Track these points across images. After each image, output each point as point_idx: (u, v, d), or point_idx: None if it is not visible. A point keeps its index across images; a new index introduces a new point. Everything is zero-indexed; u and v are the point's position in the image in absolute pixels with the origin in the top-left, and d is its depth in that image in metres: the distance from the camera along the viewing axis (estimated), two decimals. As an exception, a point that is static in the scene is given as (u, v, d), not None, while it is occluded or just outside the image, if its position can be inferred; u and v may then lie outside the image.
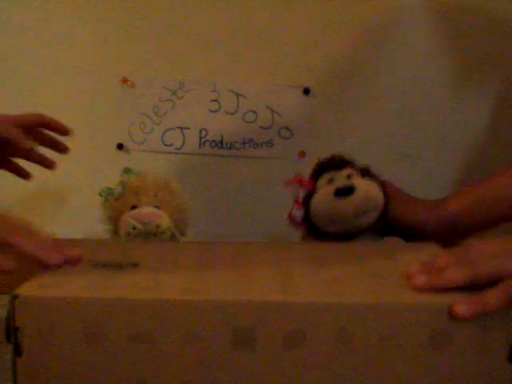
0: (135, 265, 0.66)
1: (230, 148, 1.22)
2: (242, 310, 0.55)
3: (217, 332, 0.55)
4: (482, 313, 0.56)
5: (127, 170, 0.96)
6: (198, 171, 1.22)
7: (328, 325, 0.55)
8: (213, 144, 1.22)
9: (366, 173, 0.87)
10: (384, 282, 0.61)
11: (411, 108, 1.21)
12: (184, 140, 1.21)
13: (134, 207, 0.91)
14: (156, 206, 0.91)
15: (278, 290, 0.58)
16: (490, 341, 0.56)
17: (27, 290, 0.57)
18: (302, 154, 1.22)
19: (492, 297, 0.56)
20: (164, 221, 0.89)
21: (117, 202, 0.93)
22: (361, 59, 1.19)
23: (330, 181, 0.86)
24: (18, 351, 0.56)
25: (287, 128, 1.21)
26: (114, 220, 0.92)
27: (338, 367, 0.56)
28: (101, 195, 0.94)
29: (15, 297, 0.56)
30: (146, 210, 0.89)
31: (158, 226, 0.88)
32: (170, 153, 1.22)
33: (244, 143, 1.21)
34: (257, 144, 1.21)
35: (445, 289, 0.58)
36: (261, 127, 1.21)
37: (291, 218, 0.86)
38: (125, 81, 1.20)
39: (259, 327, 0.55)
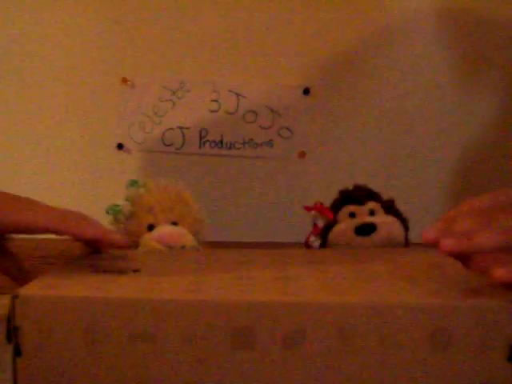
0: (136, 271, 0.66)
1: (230, 148, 1.22)
2: (241, 309, 0.55)
3: (216, 332, 0.55)
4: (471, 250, 0.55)
5: (133, 183, 0.89)
6: (198, 171, 1.22)
7: (328, 325, 0.55)
8: (213, 144, 1.22)
9: (389, 208, 0.86)
10: (384, 283, 0.61)
11: (413, 107, 1.21)
12: (184, 140, 1.21)
13: (150, 226, 0.86)
14: (173, 223, 0.86)
15: (278, 290, 0.58)
16: (490, 340, 0.56)
17: (27, 289, 0.57)
18: (302, 154, 1.22)
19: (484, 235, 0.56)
20: (188, 239, 0.84)
21: (130, 222, 0.86)
22: (361, 59, 1.19)
23: (352, 215, 0.85)
24: (17, 351, 0.56)
25: (287, 128, 1.21)
26: (131, 241, 0.85)
27: (338, 367, 0.56)
28: (108, 213, 0.86)
29: (15, 296, 0.56)
30: (168, 231, 0.84)
31: (183, 247, 0.83)
32: (170, 153, 1.22)
33: (244, 143, 1.21)
34: (257, 144, 1.21)
35: (473, 253, 0.56)
36: (261, 127, 1.21)
37: (307, 245, 0.86)
38: (125, 81, 1.20)
39: (259, 327, 0.55)
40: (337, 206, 0.87)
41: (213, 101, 1.20)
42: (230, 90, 1.20)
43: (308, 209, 0.86)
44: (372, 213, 0.84)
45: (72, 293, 0.57)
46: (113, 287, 0.58)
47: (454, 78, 1.19)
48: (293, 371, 0.56)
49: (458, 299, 0.56)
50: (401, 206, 0.88)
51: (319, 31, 1.18)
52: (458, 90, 1.20)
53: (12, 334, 0.56)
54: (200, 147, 1.22)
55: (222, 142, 1.21)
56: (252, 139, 1.21)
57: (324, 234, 0.85)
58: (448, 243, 0.55)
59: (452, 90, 1.20)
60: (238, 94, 1.20)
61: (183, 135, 1.21)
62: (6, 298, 0.56)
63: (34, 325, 0.56)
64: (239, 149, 1.22)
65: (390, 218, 0.83)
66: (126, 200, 0.88)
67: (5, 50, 1.18)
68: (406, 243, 0.84)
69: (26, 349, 0.56)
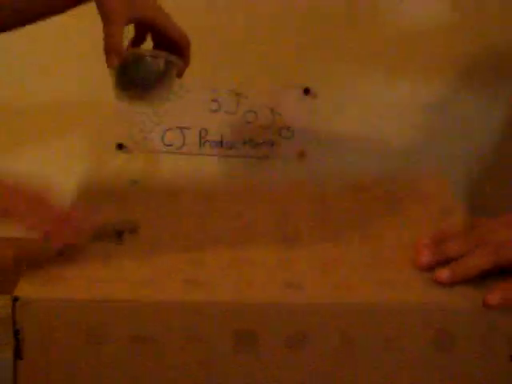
0: (133, 230, 0.68)
1: (230, 148, 1.21)
2: (243, 311, 0.55)
3: (218, 334, 0.55)
4: (466, 277, 0.58)
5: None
6: (198, 171, 1.22)
7: (330, 326, 0.55)
8: (213, 144, 1.21)
9: None
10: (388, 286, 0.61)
11: (414, 107, 1.20)
12: (184, 140, 1.21)
13: None
14: None
15: (281, 289, 0.58)
16: (493, 340, 0.56)
17: (28, 291, 0.56)
18: (302, 154, 1.21)
19: (473, 259, 0.58)
20: None
21: None
22: (362, 59, 1.19)
23: None
24: (18, 354, 0.56)
25: (288, 128, 1.20)
26: None
27: (341, 369, 0.55)
28: None
29: (16, 299, 0.55)
30: None
31: None
32: (170, 153, 1.21)
33: (244, 143, 1.21)
34: (257, 144, 1.21)
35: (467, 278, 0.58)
36: (261, 127, 1.20)
37: None
38: (124, 81, 1.19)
39: (261, 329, 0.55)
40: None
41: (213, 101, 1.20)
42: (230, 90, 1.19)
43: None
44: None
45: (73, 294, 0.56)
46: (113, 280, 0.57)
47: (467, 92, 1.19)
48: (295, 373, 0.55)
49: (461, 300, 0.56)
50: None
51: (320, 31, 1.17)
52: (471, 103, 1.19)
53: (13, 335, 0.56)
54: (200, 147, 1.21)
55: (221, 142, 1.21)
56: (252, 139, 1.21)
57: None
58: (444, 275, 0.58)
59: (460, 88, 1.19)
60: (238, 94, 1.19)
61: (183, 135, 1.21)
62: (6, 298, 0.56)
63: (35, 327, 0.55)
64: (239, 149, 1.21)
65: None
66: None
67: (5, 51, 1.18)
68: None
69: (26, 351, 0.56)
